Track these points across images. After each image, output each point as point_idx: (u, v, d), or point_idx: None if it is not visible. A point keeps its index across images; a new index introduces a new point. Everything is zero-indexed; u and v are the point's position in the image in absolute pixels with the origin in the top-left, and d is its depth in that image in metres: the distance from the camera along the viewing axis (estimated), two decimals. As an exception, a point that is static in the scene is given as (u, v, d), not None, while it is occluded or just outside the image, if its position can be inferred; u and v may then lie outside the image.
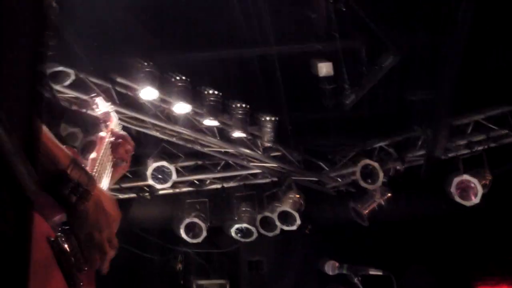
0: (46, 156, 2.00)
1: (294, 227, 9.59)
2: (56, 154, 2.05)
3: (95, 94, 3.14)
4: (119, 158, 2.96)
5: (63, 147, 2.11)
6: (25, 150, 1.38)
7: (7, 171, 1.33)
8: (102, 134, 2.93)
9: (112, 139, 2.97)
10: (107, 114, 3.10)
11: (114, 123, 3.09)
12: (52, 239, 1.98)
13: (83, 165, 2.14)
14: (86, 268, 2.19)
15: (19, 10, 1.41)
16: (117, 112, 8.27)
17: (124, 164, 3.00)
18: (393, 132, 9.11)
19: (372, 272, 5.21)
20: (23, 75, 1.44)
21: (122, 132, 3.05)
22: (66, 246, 2.05)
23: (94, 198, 2.22)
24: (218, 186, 10.00)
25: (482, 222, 10.86)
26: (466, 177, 8.41)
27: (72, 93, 7.92)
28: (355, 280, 5.14)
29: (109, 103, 3.27)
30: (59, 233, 2.04)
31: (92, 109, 3.20)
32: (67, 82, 7.72)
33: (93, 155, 2.72)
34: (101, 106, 3.13)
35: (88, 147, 2.76)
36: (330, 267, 5.30)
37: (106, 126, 3.02)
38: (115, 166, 2.95)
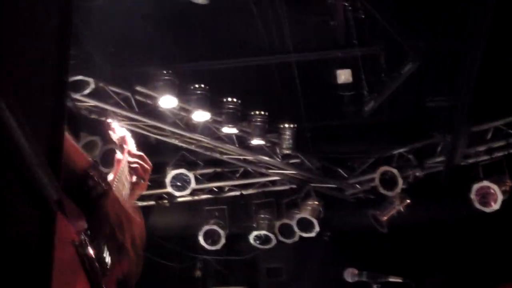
0: (68, 159, 2.06)
1: (313, 234, 9.58)
2: (78, 156, 2.14)
3: (110, 120, 3.16)
4: (137, 177, 3.00)
5: (83, 151, 2.20)
6: (48, 158, 1.40)
7: (29, 180, 1.35)
8: (118, 156, 2.96)
9: (130, 159, 3.00)
10: (123, 138, 3.13)
11: (131, 145, 3.12)
12: (77, 243, 2.03)
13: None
14: (109, 273, 2.24)
15: (43, 16, 1.43)
16: (136, 120, 8.37)
17: (143, 183, 3.03)
18: (412, 139, 9.08)
19: (392, 279, 5.19)
20: (47, 83, 1.46)
21: (140, 153, 3.08)
22: (90, 250, 2.10)
23: (113, 198, 2.31)
24: (237, 193, 10.00)
25: (503, 227, 10.80)
26: (486, 183, 8.38)
27: (91, 102, 7.97)
28: (375, 287, 5.13)
29: (124, 128, 3.29)
30: (83, 238, 2.09)
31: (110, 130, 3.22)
32: (87, 91, 7.77)
33: (110, 176, 2.75)
34: (117, 130, 3.16)
35: (108, 155, 2.80)
36: (350, 275, 5.30)
37: (123, 149, 3.05)
38: (133, 185, 3.00)
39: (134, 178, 2.99)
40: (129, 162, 2.98)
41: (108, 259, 2.29)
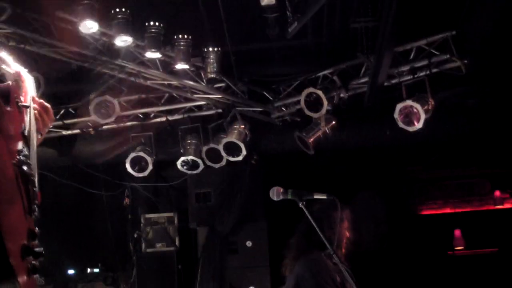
0: None
1: (240, 158, 9.61)
2: None
3: (2, 54, 2.83)
4: (37, 129, 2.74)
5: None
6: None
7: None
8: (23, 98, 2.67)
9: (35, 106, 2.74)
10: (18, 74, 2.76)
11: (29, 84, 2.80)
12: (15, 161, 2.05)
13: None
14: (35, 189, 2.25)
15: None
16: (57, 46, 8.14)
17: (39, 137, 2.77)
18: (337, 61, 9.10)
19: (317, 196, 5.23)
20: None
21: (46, 104, 2.82)
22: (25, 168, 2.11)
23: None
24: (163, 119, 9.93)
25: (425, 149, 11.04)
26: (409, 102, 8.47)
27: (9, 29, 7.74)
28: (300, 204, 5.16)
29: (21, 65, 2.92)
30: (19, 157, 2.10)
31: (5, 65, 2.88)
32: (3, 17, 7.52)
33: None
34: (12, 65, 2.81)
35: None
36: (275, 193, 5.31)
37: (19, 86, 2.72)
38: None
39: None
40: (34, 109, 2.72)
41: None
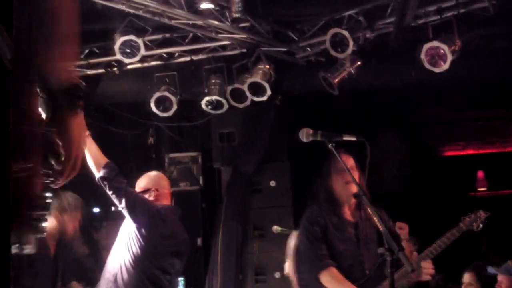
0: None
1: (264, 98, 9.60)
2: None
3: None
4: None
5: None
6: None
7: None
8: None
9: None
10: None
11: None
12: None
13: None
14: None
15: None
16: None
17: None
18: (364, 0, 9.01)
19: (346, 138, 5.26)
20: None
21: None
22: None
23: None
24: (187, 59, 9.92)
25: (449, 90, 10.98)
26: (435, 43, 8.40)
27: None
28: (329, 146, 5.20)
29: None
30: None
31: None
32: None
33: None
34: None
35: None
36: (304, 134, 5.35)
37: None
38: None
39: None
40: None
41: None
